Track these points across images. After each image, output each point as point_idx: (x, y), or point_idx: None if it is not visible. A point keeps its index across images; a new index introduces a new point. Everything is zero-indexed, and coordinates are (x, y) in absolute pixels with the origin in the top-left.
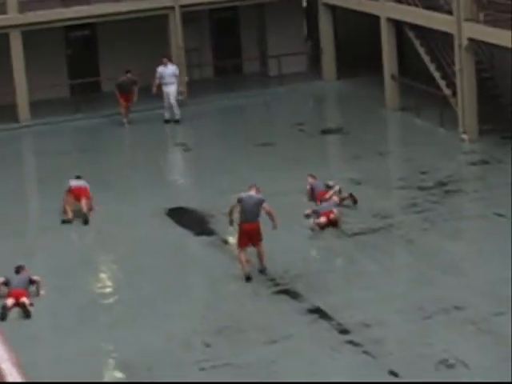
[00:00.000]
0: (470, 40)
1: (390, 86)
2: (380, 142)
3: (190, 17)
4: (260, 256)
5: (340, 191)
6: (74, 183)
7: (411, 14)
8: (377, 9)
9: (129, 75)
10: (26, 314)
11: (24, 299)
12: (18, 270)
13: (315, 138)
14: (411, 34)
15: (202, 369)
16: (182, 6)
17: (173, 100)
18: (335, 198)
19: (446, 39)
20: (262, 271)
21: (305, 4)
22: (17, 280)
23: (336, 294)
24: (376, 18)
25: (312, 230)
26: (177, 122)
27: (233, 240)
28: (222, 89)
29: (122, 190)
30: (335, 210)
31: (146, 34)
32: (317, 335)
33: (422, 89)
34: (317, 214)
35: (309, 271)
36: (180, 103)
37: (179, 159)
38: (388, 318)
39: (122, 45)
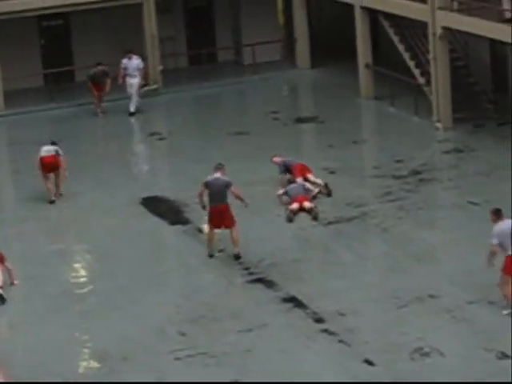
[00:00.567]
0: (444, 28)
1: (364, 75)
2: (354, 130)
3: (164, 6)
4: (233, 240)
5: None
6: (44, 151)
7: (385, 2)
8: None
9: (100, 67)
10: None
11: None
12: None
13: (290, 127)
14: (385, 23)
15: (178, 358)
16: None
17: (133, 92)
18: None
19: (420, 28)
20: (236, 256)
21: None
22: None
23: (311, 282)
24: (350, 7)
25: (286, 212)
26: (131, 114)
27: (207, 229)
28: (196, 78)
29: (97, 179)
30: (307, 203)
31: (120, 23)
32: (292, 324)
33: (397, 77)
34: (289, 197)
35: (284, 260)
36: (142, 96)
37: (154, 148)
38: (363, 307)
39: (95, 34)
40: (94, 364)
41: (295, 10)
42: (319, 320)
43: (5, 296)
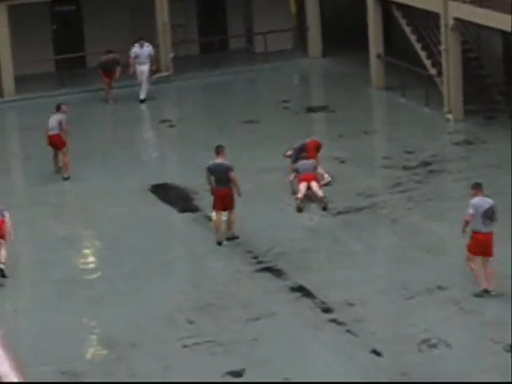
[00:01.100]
0: (457, 20)
1: (375, 65)
2: (365, 120)
3: None
4: (229, 223)
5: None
6: (50, 126)
7: None
8: None
9: (111, 55)
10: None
11: None
12: None
13: (300, 116)
14: (398, 13)
15: (185, 346)
16: None
17: (144, 78)
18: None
19: (432, 19)
20: (229, 238)
21: None
22: None
23: (319, 272)
24: None
25: (295, 201)
26: (141, 101)
27: (215, 215)
28: (207, 65)
29: (106, 166)
30: (314, 184)
31: (132, 10)
32: (300, 313)
33: (408, 68)
34: (297, 173)
35: (293, 249)
36: (154, 82)
37: (164, 136)
38: (371, 297)
39: (107, 20)
40: (102, 351)
41: None
42: (327, 310)
43: (5, 272)
